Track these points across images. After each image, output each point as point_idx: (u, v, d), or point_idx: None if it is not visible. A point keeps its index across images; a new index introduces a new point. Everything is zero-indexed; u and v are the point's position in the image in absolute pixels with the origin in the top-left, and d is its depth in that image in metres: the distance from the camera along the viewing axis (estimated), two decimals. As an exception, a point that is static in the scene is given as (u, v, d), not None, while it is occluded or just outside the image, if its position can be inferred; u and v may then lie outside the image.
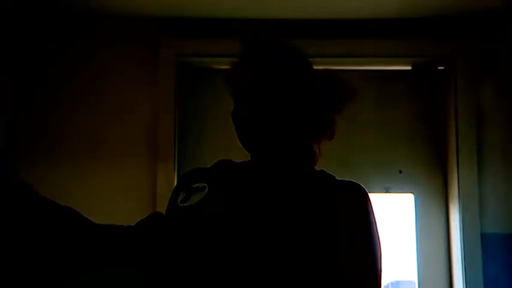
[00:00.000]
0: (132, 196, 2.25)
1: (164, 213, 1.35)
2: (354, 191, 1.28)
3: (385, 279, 1.25)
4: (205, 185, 1.28)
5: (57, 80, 2.34)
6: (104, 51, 2.36)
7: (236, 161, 1.37)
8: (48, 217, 1.22)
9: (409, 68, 2.43)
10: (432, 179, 2.39)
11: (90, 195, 2.25)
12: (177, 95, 2.36)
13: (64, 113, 2.33)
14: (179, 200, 1.28)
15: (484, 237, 2.24)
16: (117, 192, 2.26)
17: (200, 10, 2.26)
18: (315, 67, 1.41)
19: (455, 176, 2.29)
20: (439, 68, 2.42)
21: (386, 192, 2.37)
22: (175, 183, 1.43)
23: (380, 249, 1.24)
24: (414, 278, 2.35)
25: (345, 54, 2.36)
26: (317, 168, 1.37)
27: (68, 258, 1.25)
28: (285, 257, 1.18)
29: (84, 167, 2.29)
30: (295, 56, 1.36)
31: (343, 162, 2.35)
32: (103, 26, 2.34)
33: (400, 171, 2.39)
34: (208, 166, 1.39)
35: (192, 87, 2.42)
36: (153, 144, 2.31)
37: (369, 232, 1.23)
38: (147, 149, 2.31)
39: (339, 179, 1.32)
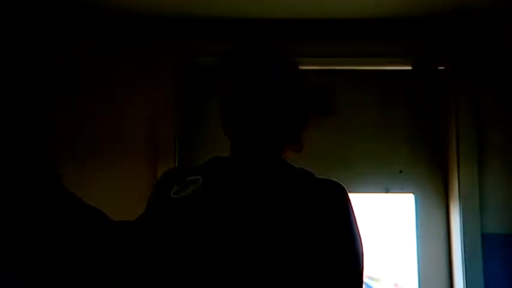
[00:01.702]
0: (132, 196, 2.25)
1: (148, 205, 1.39)
2: (334, 190, 1.29)
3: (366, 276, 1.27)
4: (199, 177, 1.31)
5: (57, 80, 2.34)
6: (104, 51, 2.36)
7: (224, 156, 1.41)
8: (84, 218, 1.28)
9: (409, 68, 2.44)
10: (432, 179, 2.39)
11: (90, 196, 2.24)
12: (177, 95, 2.36)
13: (64, 113, 2.33)
14: (172, 192, 1.31)
15: (484, 237, 2.24)
16: (117, 192, 2.26)
17: (200, 10, 2.26)
18: (306, 67, 1.43)
19: (456, 176, 2.29)
20: (439, 68, 2.42)
21: (387, 192, 2.37)
22: (159, 178, 1.46)
23: (362, 246, 1.26)
24: (414, 278, 2.35)
25: (345, 54, 2.36)
26: (297, 165, 1.39)
27: (96, 256, 1.31)
28: (263, 251, 1.20)
29: (84, 167, 2.29)
30: (284, 62, 1.38)
31: (343, 162, 2.36)
32: (103, 26, 2.34)
33: (400, 171, 2.39)
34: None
35: (193, 87, 2.42)
36: (153, 144, 2.31)
37: (350, 230, 1.26)
38: (147, 149, 2.31)
39: (318, 177, 1.33)
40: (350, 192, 1.32)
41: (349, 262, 1.22)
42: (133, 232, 1.36)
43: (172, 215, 1.28)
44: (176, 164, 2.30)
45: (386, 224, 2.41)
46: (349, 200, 1.29)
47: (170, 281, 1.24)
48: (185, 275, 1.23)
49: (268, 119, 1.32)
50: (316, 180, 1.33)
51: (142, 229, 1.35)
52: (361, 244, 1.26)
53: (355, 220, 1.27)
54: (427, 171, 2.39)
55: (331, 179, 1.33)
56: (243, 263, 1.20)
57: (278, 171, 1.35)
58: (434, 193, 2.38)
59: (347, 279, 1.22)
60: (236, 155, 1.37)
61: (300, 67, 1.41)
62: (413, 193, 2.38)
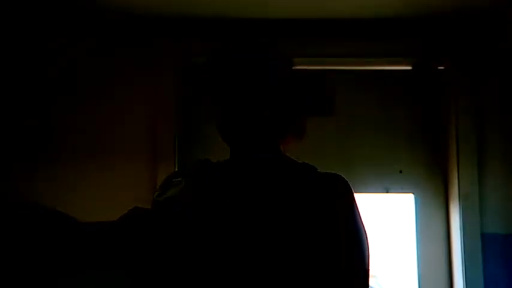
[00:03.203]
0: (132, 196, 2.25)
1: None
2: (337, 183, 1.29)
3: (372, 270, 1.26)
4: (181, 179, 1.31)
5: (57, 80, 2.34)
6: (104, 51, 2.36)
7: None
8: (39, 219, 1.26)
9: (409, 68, 2.44)
10: (432, 179, 2.39)
11: (91, 196, 2.25)
12: (177, 95, 2.36)
13: (64, 113, 2.33)
14: (155, 195, 1.31)
15: (484, 237, 2.24)
16: (117, 192, 2.26)
17: (200, 10, 2.26)
18: (306, 67, 1.42)
19: (455, 176, 2.29)
20: (439, 68, 2.42)
21: (387, 192, 2.37)
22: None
23: (367, 240, 1.25)
24: (414, 278, 2.35)
25: (345, 54, 2.36)
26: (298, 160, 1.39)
27: (59, 258, 1.28)
28: (268, 249, 1.19)
29: (85, 167, 2.29)
30: (275, 57, 1.37)
31: (343, 162, 2.36)
32: (103, 25, 2.34)
33: (400, 171, 2.39)
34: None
35: (193, 87, 2.42)
36: (153, 144, 2.31)
37: (354, 224, 1.25)
38: (147, 149, 2.31)
39: (321, 171, 1.32)
40: (350, 191, 1.32)
41: (354, 258, 1.21)
42: (114, 233, 1.34)
43: (151, 217, 1.28)
44: (176, 164, 2.31)
45: (387, 224, 2.41)
46: (352, 194, 1.28)
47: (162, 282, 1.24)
48: (179, 274, 1.22)
49: (268, 119, 1.31)
50: (318, 174, 1.32)
51: (123, 232, 1.33)
52: (366, 238, 1.25)
53: (359, 214, 1.27)
54: (427, 171, 2.39)
55: (334, 172, 1.32)
56: (246, 262, 1.19)
57: (280, 166, 1.33)
58: (434, 193, 2.38)
59: (354, 272, 1.21)
60: (236, 156, 1.36)
61: (295, 66, 1.40)
62: (413, 193, 2.38)
